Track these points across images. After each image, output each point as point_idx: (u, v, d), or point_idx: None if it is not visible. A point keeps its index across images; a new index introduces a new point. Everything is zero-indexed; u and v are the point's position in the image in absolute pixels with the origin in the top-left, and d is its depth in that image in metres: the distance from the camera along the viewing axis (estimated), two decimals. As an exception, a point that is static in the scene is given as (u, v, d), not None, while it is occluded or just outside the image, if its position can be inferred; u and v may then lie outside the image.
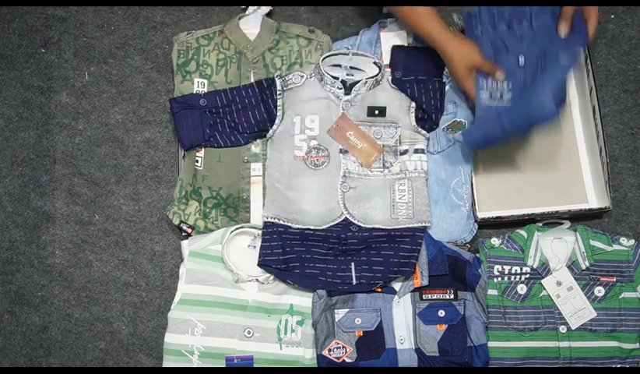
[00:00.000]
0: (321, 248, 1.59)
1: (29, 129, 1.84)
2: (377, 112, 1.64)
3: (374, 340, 1.57)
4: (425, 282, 1.58)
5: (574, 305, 1.61)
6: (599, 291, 1.61)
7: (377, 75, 1.66)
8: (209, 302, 1.59)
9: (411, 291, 1.59)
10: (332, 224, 1.60)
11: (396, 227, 1.60)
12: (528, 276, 1.63)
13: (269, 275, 1.60)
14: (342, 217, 1.61)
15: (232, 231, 1.63)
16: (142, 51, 1.86)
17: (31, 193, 1.81)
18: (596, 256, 1.63)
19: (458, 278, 1.60)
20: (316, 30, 1.75)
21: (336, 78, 1.65)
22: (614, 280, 1.62)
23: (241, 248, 1.65)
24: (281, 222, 1.60)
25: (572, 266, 1.62)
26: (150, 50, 1.86)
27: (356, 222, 1.60)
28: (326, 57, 1.66)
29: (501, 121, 1.51)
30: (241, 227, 1.64)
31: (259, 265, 1.59)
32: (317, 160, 1.64)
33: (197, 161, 1.70)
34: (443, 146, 1.70)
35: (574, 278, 1.62)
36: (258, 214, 1.69)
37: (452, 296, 1.59)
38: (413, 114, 1.65)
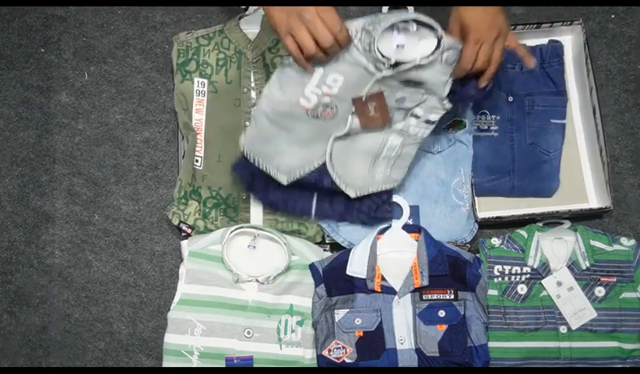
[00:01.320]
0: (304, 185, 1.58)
1: (28, 129, 1.84)
2: (412, 84, 1.43)
3: (374, 341, 1.57)
4: (425, 282, 1.58)
5: (575, 306, 1.60)
6: (600, 291, 1.61)
7: (432, 53, 1.37)
8: (209, 302, 1.59)
9: (411, 291, 1.59)
10: (308, 171, 1.54)
11: (368, 191, 1.60)
12: (528, 276, 1.62)
13: (269, 275, 1.60)
14: (321, 163, 1.53)
15: (232, 231, 1.63)
16: (142, 50, 1.86)
17: (31, 193, 1.81)
18: (597, 256, 1.63)
19: (459, 278, 1.59)
20: (316, 30, 1.74)
21: (388, 58, 1.36)
22: (615, 280, 1.62)
23: (241, 248, 1.65)
24: (256, 164, 1.56)
25: (572, 266, 1.62)
26: (150, 50, 1.86)
27: (333, 175, 1.54)
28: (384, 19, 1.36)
29: (512, 186, 1.73)
30: (241, 227, 1.64)
31: (233, 169, 1.60)
32: (321, 114, 1.47)
33: (197, 161, 1.69)
34: (443, 146, 1.70)
35: (575, 278, 1.61)
36: (258, 214, 1.69)
37: (452, 296, 1.59)
38: (448, 88, 1.44)
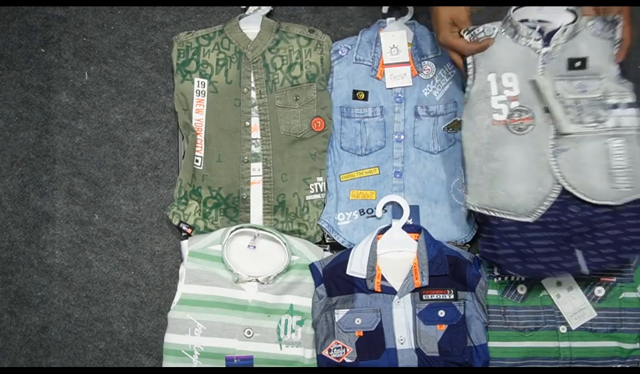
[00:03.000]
0: (542, 239, 1.45)
1: (29, 129, 1.84)
2: (578, 64, 1.48)
3: (373, 341, 1.57)
4: (425, 282, 1.58)
5: (575, 306, 1.60)
6: (599, 291, 1.61)
7: (574, 20, 1.49)
8: (209, 302, 1.59)
9: (411, 291, 1.59)
10: (547, 203, 1.45)
11: (620, 202, 1.44)
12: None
13: (269, 275, 1.60)
14: (557, 191, 1.45)
15: (232, 231, 1.63)
16: (142, 50, 1.86)
17: (31, 193, 1.81)
18: (596, 256, 1.63)
19: (459, 278, 1.59)
20: (316, 30, 1.75)
21: (533, 28, 1.49)
22: (614, 280, 1.62)
23: (241, 248, 1.65)
24: (491, 213, 1.47)
25: (572, 266, 1.62)
26: (150, 50, 1.86)
27: (575, 192, 1.44)
28: (516, 9, 1.50)
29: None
30: (241, 227, 1.64)
31: (481, 257, 1.51)
32: (521, 123, 1.46)
33: (197, 161, 1.70)
34: (443, 146, 1.70)
35: (574, 278, 1.61)
36: (258, 214, 1.69)
37: (452, 296, 1.59)
38: (615, 66, 1.50)
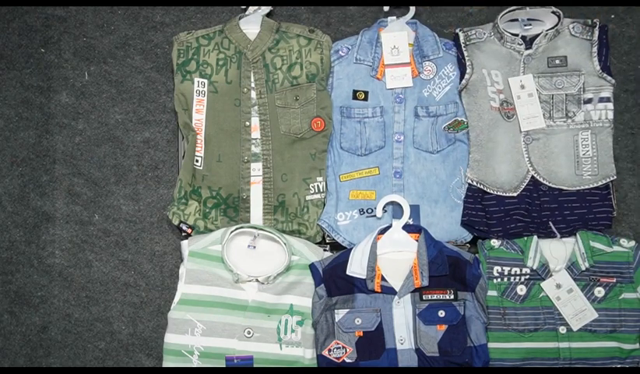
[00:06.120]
0: (519, 209, 1.65)
1: (29, 129, 1.84)
2: (558, 62, 1.67)
3: (373, 341, 1.57)
4: (425, 282, 1.58)
5: (575, 307, 1.60)
6: (599, 291, 1.61)
7: (556, 25, 1.68)
8: (209, 302, 1.59)
9: (411, 292, 1.59)
10: (522, 187, 1.65)
11: (582, 187, 1.64)
12: (527, 277, 1.62)
13: (269, 275, 1.60)
14: (529, 176, 1.65)
15: (232, 231, 1.63)
16: (142, 51, 1.86)
17: (31, 193, 1.81)
18: (596, 257, 1.63)
19: (459, 278, 1.59)
20: (316, 30, 1.75)
21: (516, 35, 1.69)
22: (614, 280, 1.62)
23: (241, 248, 1.65)
24: (480, 186, 1.66)
25: (572, 267, 1.62)
26: (150, 50, 1.86)
27: (542, 180, 1.64)
28: (503, 14, 1.70)
29: None
30: (241, 227, 1.64)
31: (463, 224, 1.66)
32: (508, 111, 1.67)
33: (197, 161, 1.70)
34: (443, 146, 1.70)
35: (574, 279, 1.61)
36: (258, 214, 1.69)
37: (452, 296, 1.59)
38: (597, 59, 1.67)
